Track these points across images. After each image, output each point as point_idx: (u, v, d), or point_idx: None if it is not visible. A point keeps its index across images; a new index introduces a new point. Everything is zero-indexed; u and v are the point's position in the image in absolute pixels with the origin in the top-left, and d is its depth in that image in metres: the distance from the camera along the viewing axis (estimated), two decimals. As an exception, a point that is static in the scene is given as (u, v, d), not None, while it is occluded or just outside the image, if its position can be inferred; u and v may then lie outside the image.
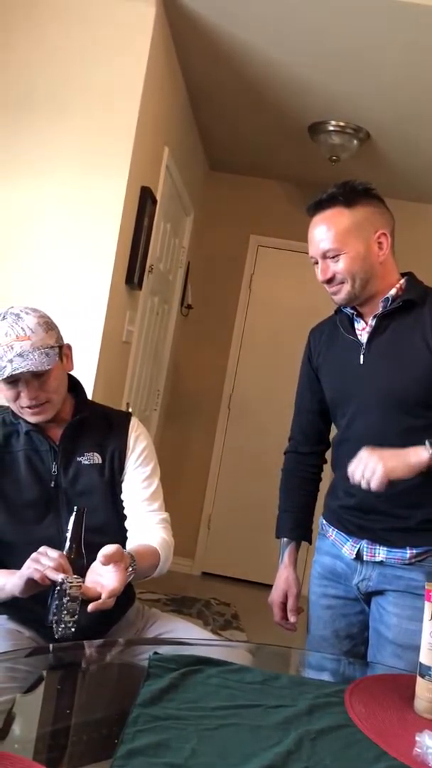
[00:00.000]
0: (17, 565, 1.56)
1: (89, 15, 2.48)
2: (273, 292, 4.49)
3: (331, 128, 3.36)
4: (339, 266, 1.55)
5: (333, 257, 1.55)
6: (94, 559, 1.50)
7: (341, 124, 3.33)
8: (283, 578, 1.79)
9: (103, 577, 1.35)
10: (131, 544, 1.60)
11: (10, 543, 1.60)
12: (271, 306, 4.49)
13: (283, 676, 1.26)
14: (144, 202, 2.72)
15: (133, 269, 2.72)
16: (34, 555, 1.36)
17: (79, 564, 1.35)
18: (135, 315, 2.98)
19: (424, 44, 2.52)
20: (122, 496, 1.68)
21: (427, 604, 1.18)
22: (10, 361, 1.49)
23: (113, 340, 2.67)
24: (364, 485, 1.40)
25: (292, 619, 1.77)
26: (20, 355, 1.50)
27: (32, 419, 1.59)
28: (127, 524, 1.67)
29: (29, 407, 1.57)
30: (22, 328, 1.53)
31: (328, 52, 2.70)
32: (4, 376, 1.49)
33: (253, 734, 1.03)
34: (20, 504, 1.60)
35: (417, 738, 1.00)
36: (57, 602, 1.29)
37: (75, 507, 1.38)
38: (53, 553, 1.34)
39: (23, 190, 2.49)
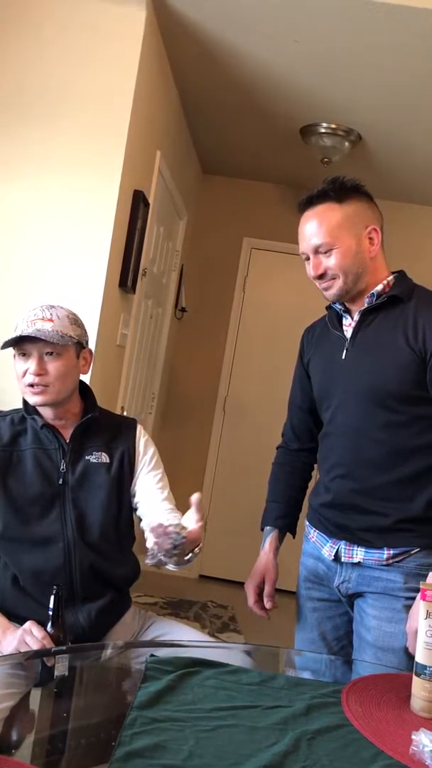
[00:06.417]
0: (20, 562, 1.58)
1: (79, 19, 2.48)
2: (267, 294, 4.50)
3: (323, 130, 3.37)
4: (331, 262, 1.55)
5: (325, 252, 1.55)
6: (89, 570, 1.59)
7: (332, 126, 3.34)
8: (262, 563, 1.77)
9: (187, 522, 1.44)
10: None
11: (15, 539, 1.63)
12: (265, 308, 4.50)
13: (280, 676, 1.27)
14: (137, 206, 2.72)
15: (127, 273, 2.72)
16: (20, 633, 1.45)
17: (61, 641, 1.43)
18: (129, 318, 2.98)
19: (415, 47, 2.53)
20: (137, 499, 1.73)
21: (422, 603, 1.18)
22: (26, 328, 1.60)
23: (107, 344, 2.67)
24: None
25: (267, 604, 1.73)
26: (38, 329, 1.59)
27: (31, 399, 1.64)
28: (148, 527, 1.69)
29: (31, 385, 1.62)
30: (50, 313, 1.64)
31: (319, 55, 2.71)
32: (15, 335, 1.60)
33: (251, 735, 1.03)
34: (25, 500, 1.63)
35: (413, 736, 1.00)
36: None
37: (54, 586, 1.44)
38: (38, 633, 1.43)
39: (15, 194, 2.49)
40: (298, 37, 2.60)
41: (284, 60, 2.80)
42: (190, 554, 1.46)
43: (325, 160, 3.50)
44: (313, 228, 1.56)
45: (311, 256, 1.58)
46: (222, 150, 4.00)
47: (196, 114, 3.51)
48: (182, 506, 1.78)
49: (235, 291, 4.51)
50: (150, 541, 1.42)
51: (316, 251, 1.56)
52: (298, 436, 1.84)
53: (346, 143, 3.42)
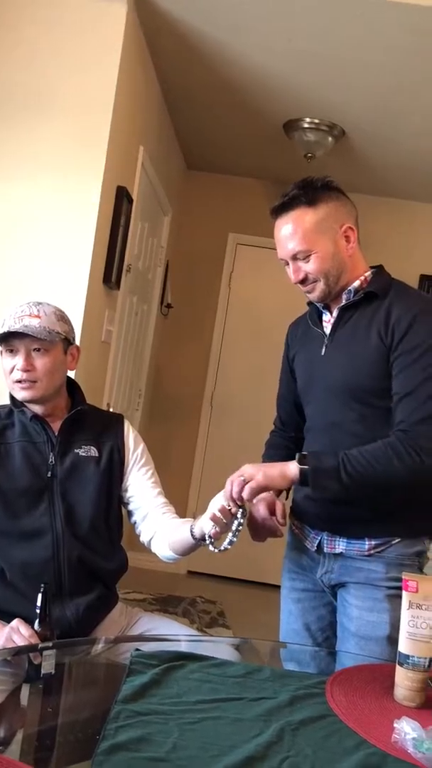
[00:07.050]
0: (9, 556, 1.60)
1: (60, 14, 2.47)
2: (252, 289, 4.50)
3: (306, 125, 3.37)
4: (310, 266, 1.55)
5: (304, 258, 1.56)
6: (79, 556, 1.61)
7: (315, 121, 3.35)
8: (266, 497, 1.64)
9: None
10: (168, 530, 1.70)
11: (3, 532, 1.63)
12: (250, 303, 4.50)
13: (264, 669, 1.27)
14: (120, 202, 2.72)
15: (111, 269, 2.72)
16: (7, 632, 1.46)
17: (48, 639, 1.44)
18: (113, 315, 2.98)
19: (398, 42, 2.54)
20: (130, 494, 1.76)
21: (405, 593, 1.19)
22: (14, 324, 1.62)
23: (92, 340, 2.66)
24: (236, 491, 1.46)
25: (281, 519, 1.62)
26: (26, 325, 1.61)
27: (19, 395, 1.66)
28: (144, 520, 1.75)
29: (19, 381, 1.64)
30: (37, 310, 1.66)
31: (301, 50, 2.71)
32: (2, 331, 1.61)
33: (235, 727, 1.03)
34: (14, 493, 1.64)
35: (395, 725, 1.01)
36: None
37: (42, 584, 1.45)
38: (25, 631, 1.44)
39: (-2, 192, 2.49)
40: (281, 32, 2.60)
41: (267, 55, 2.80)
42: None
43: (309, 155, 3.50)
44: (288, 235, 1.56)
45: (290, 262, 1.59)
46: (206, 146, 4.00)
47: (180, 109, 3.50)
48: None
49: (221, 287, 4.52)
50: (208, 526, 1.50)
51: (295, 257, 1.57)
52: (288, 427, 1.86)
53: (330, 138, 3.43)
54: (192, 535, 1.59)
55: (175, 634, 1.68)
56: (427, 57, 2.62)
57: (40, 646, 1.41)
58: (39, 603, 1.44)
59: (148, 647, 1.34)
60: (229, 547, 1.52)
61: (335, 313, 1.62)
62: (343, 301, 1.60)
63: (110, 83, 2.48)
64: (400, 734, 0.99)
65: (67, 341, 1.70)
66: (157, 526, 1.72)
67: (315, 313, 1.69)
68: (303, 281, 1.58)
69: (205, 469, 4.50)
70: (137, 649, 1.28)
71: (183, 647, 1.55)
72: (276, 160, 3.99)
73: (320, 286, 1.57)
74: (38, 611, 1.44)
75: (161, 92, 3.28)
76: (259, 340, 4.42)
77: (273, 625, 1.89)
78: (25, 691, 1.38)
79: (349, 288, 1.59)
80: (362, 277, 1.60)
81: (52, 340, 1.63)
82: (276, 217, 1.59)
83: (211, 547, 1.54)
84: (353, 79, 2.89)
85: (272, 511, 1.63)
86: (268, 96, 3.17)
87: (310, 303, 1.71)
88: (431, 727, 1.01)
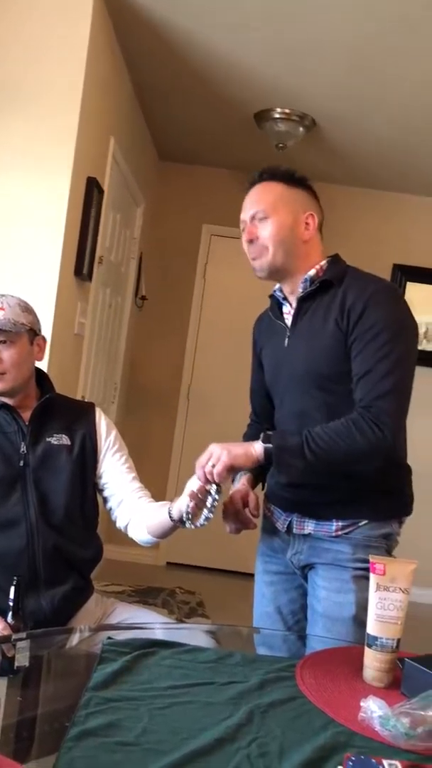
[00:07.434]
0: None
1: (25, 4, 2.45)
2: (227, 280, 4.50)
3: (277, 116, 3.38)
4: (264, 231, 1.59)
5: (261, 219, 1.59)
6: (52, 544, 1.62)
7: (286, 111, 3.35)
8: (239, 491, 1.68)
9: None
10: (145, 514, 1.73)
11: None
12: (226, 295, 4.50)
13: (236, 654, 1.28)
14: (90, 193, 2.70)
15: (82, 260, 2.70)
16: None
17: (20, 630, 1.46)
18: (86, 307, 2.96)
19: (368, 31, 2.55)
20: (104, 480, 1.77)
21: (372, 576, 1.21)
22: None
23: (64, 333, 2.65)
24: (207, 471, 1.49)
25: (254, 512, 1.64)
26: None
27: None
28: (120, 505, 1.77)
29: None
30: (1, 302, 1.66)
31: (269, 39, 2.71)
32: None
33: (205, 711, 1.04)
34: None
35: (362, 704, 1.03)
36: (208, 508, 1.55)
37: (15, 577, 1.46)
38: None
39: (-34, 184, 2.46)
40: (250, 22, 2.60)
41: (237, 45, 2.79)
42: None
43: (280, 145, 3.51)
44: (255, 197, 1.61)
45: (248, 223, 1.62)
46: (178, 136, 3.99)
47: (151, 100, 3.49)
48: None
49: (195, 278, 4.51)
50: (185, 505, 1.54)
51: (253, 218, 1.61)
52: (262, 419, 1.87)
53: (301, 128, 3.43)
54: (170, 516, 1.61)
55: (150, 622, 1.69)
56: (398, 46, 2.63)
57: (13, 638, 1.41)
58: (12, 596, 1.45)
59: (124, 636, 1.34)
60: (206, 523, 1.55)
61: (294, 304, 1.65)
62: (300, 291, 1.62)
63: (78, 73, 2.47)
64: (366, 713, 1.01)
65: (33, 332, 1.71)
66: (134, 511, 1.74)
67: (276, 306, 1.72)
68: (251, 242, 1.61)
69: (183, 462, 4.50)
70: (109, 638, 1.29)
71: (158, 635, 1.56)
72: (248, 150, 3.99)
73: (267, 255, 1.60)
74: (11, 604, 1.45)
75: (131, 83, 3.27)
76: (235, 331, 4.40)
77: (251, 614, 1.91)
78: (1, 684, 1.38)
79: (305, 277, 1.62)
80: (318, 266, 1.63)
81: (17, 331, 1.64)
82: (251, 186, 1.64)
83: (188, 524, 1.57)
84: (323, 69, 2.90)
85: (246, 504, 1.65)
86: (238, 86, 3.17)
87: (271, 296, 1.73)
88: (397, 705, 1.02)
